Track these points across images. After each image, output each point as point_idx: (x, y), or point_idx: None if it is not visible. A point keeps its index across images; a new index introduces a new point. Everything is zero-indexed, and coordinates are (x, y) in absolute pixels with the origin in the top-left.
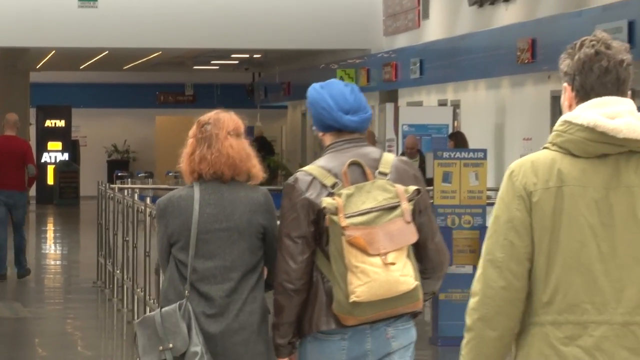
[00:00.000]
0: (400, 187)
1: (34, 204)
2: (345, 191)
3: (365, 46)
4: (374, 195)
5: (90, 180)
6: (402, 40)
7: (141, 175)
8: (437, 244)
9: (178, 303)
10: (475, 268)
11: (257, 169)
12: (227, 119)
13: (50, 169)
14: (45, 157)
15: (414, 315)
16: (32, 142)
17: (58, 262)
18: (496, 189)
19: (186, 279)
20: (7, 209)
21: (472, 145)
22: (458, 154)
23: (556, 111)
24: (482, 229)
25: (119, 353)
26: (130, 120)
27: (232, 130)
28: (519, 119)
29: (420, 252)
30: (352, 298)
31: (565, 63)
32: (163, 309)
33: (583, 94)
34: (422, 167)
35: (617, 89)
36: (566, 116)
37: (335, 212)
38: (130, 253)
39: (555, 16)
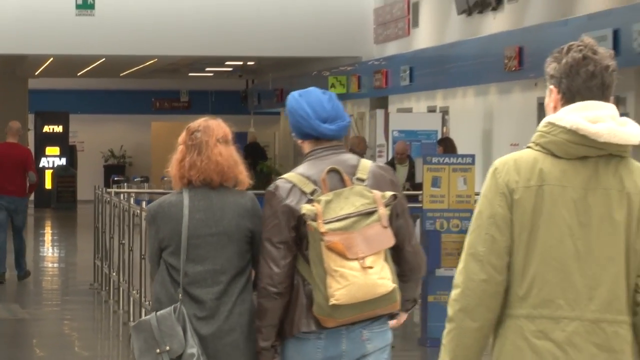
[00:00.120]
0: (377, 193)
1: (32, 207)
2: (324, 198)
3: (357, 54)
4: (352, 201)
5: (87, 184)
6: (393, 48)
7: (137, 179)
8: (414, 246)
9: (172, 306)
10: None
11: (244, 175)
12: (216, 127)
13: (48, 174)
14: (43, 162)
15: (391, 316)
16: (31, 147)
17: (56, 265)
18: None
19: (177, 282)
20: (7, 213)
21: (460, 150)
22: (447, 159)
23: (542, 117)
24: None
25: (115, 353)
26: (126, 126)
27: (221, 137)
28: (507, 125)
29: (398, 255)
30: (332, 301)
31: (551, 66)
32: (158, 313)
33: (569, 97)
34: (412, 172)
35: (602, 94)
36: (550, 118)
37: (315, 218)
38: (126, 256)
39: (542, 25)
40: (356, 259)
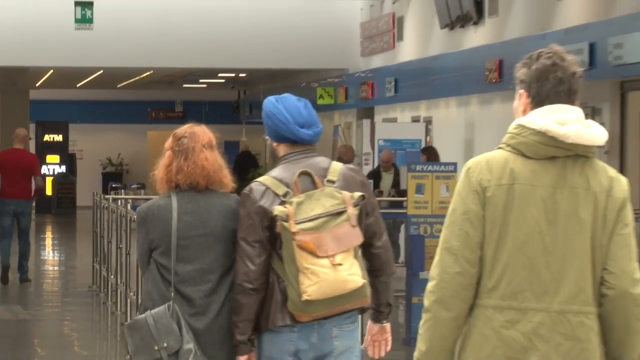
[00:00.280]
0: (346, 194)
1: (33, 213)
2: (295, 199)
3: (344, 66)
4: (322, 202)
5: (86, 191)
6: (378, 61)
7: (134, 186)
8: (383, 242)
9: (166, 305)
10: None
11: (228, 179)
12: (201, 133)
13: (48, 181)
14: (44, 170)
15: (362, 311)
16: None
17: (56, 268)
18: None
19: (168, 281)
20: (13, 217)
21: (443, 159)
22: (430, 167)
23: None
24: None
25: (112, 353)
26: (123, 135)
27: (206, 143)
28: (487, 135)
29: (368, 251)
30: (304, 297)
31: (521, 71)
32: (153, 311)
33: (538, 101)
34: (397, 179)
35: (569, 98)
36: (520, 120)
37: (286, 219)
38: (124, 259)
39: (521, 38)
40: (326, 256)
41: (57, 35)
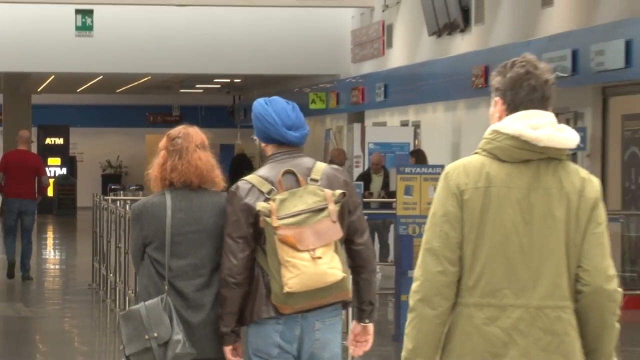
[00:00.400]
0: (328, 191)
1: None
2: (279, 196)
3: (335, 72)
4: (305, 199)
5: (86, 192)
6: (368, 67)
7: (132, 188)
8: (365, 240)
9: (159, 297)
10: None
11: (220, 179)
12: (195, 134)
13: (50, 183)
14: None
15: (344, 305)
16: None
17: (57, 267)
18: None
19: (162, 275)
20: (18, 216)
21: (431, 161)
22: (419, 169)
23: None
24: None
25: (111, 348)
26: (122, 139)
27: (199, 143)
28: (474, 138)
29: (350, 248)
30: (286, 289)
31: (496, 80)
32: (146, 303)
33: (513, 108)
34: (387, 181)
35: (542, 105)
36: (495, 126)
37: (269, 214)
38: (122, 258)
39: (506, 45)
40: (307, 250)
41: (59, 42)
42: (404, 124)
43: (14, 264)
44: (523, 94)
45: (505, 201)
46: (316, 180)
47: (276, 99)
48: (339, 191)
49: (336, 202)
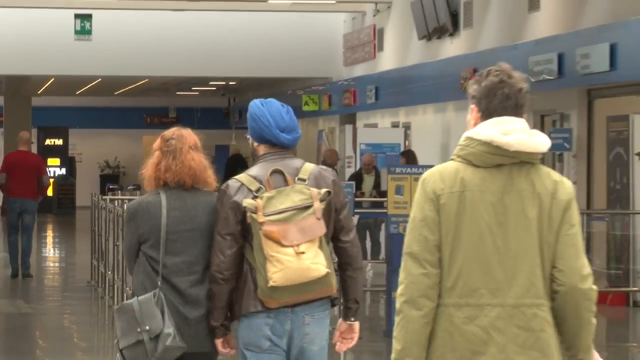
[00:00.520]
0: (314, 190)
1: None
2: (266, 194)
3: (328, 75)
4: (291, 197)
5: (85, 192)
6: (360, 70)
7: (130, 187)
8: (351, 238)
9: (152, 292)
10: None
11: (212, 179)
12: (188, 135)
13: (50, 182)
14: None
15: (332, 302)
16: None
17: (56, 264)
18: None
19: (157, 271)
20: (19, 214)
21: (421, 161)
22: (409, 170)
23: None
24: None
25: (110, 344)
26: (120, 140)
27: (192, 144)
28: None
29: (337, 245)
30: (270, 283)
31: (473, 88)
32: (140, 297)
33: (487, 115)
34: (378, 181)
35: (516, 112)
36: (468, 133)
37: (255, 211)
38: (120, 256)
39: (494, 49)
40: (291, 245)
41: (58, 45)
42: (395, 125)
43: (17, 275)
44: (497, 102)
45: (479, 204)
46: (304, 180)
47: (272, 101)
48: (324, 190)
49: (321, 200)
